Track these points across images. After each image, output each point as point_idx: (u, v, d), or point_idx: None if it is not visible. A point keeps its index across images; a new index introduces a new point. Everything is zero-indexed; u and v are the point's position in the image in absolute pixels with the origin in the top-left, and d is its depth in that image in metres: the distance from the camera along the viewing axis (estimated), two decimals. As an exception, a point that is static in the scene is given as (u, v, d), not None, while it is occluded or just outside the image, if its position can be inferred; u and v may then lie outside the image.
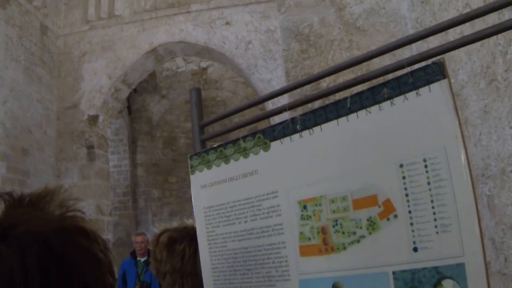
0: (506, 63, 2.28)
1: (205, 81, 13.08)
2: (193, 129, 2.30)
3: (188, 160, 2.13)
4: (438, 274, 1.41)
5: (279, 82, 8.93)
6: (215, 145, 2.05)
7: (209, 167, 2.03)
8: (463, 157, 1.39)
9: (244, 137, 1.92)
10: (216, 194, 1.99)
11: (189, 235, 2.19)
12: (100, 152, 10.36)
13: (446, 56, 1.41)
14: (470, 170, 1.39)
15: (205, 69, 13.13)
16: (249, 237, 1.85)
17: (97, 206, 10.39)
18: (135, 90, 12.18)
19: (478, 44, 2.55)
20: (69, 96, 10.18)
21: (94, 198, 10.35)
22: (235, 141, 1.95)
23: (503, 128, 2.27)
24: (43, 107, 9.66)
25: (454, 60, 2.85)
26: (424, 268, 1.44)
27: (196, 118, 2.31)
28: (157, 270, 2.24)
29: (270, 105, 7.63)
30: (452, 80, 2.80)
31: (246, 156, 1.91)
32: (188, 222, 2.29)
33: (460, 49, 2.79)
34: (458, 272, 1.38)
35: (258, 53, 9.42)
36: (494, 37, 2.39)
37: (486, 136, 2.44)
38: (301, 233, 1.71)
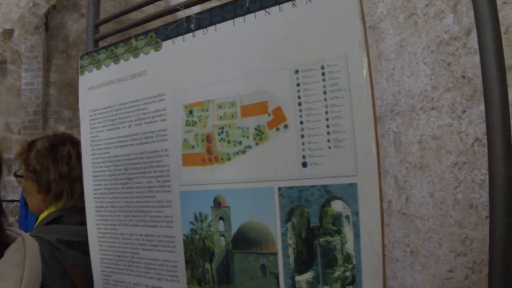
0: (429, -3, 2.00)
1: (126, 3, 12.24)
2: (87, 27, 1.94)
3: (79, 60, 1.77)
4: (327, 194, 1.16)
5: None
6: (106, 45, 1.70)
7: (98, 67, 1.70)
8: (365, 67, 1.14)
9: (136, 36, 1.59)
10: (103, 96, 1.67)
11: (69, 139, 1.86)
12: (13, 68, 9.52)
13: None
14: (371, 83, 1.15)
15: (127, -11, 12.28)
16: (132, 143, 1.55)
17: (6, 124, 9.68)
18: (54, 7, 11.20)
19: (402, -23, 2.26)
20: (-16, 9, 9.22)
21: (4, 116, 9.60)
22: (127, 40, 1.62)
23: (417, 64, 2.02)
24: (-43, 20, 8.73)
25: (375, -7, 2.56)
26: (312, 186, 1.18)
27: (91, 16, 1.95)
28: (38, 183, 1.87)
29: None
30: (371, 13, 2.52)
31: (136, 55, 1.58)
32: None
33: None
34: (349, 193, 1.15)
35: (178, -27, 8.73)
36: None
37: (399, 71, 2.19)
38: (184, 140, 1.42)
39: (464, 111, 1.67)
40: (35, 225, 1.89)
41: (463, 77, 1.70)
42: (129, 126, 1.57)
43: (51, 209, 1.87)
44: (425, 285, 1.77)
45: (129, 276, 1.59)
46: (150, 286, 1.54)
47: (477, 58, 1.67)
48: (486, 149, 1.66)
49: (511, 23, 1.57)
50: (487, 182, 1.65)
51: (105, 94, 1.66)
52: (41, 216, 1.87)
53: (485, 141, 1.61)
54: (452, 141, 1.69)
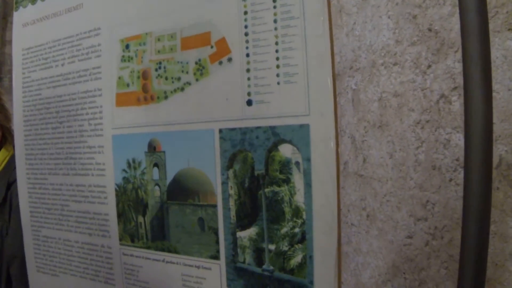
0: None
1: None
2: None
3: (15, -5, 1.50)
4: (275, 137, 0.93)
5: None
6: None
7: (33, 2, 1.43)
8: (323, -7, 0.89)
9: (75, -34, 1.32)
10: (36, 33, 1.41)
11: None
12: (-34, 26, 8.92)
13: None
14: (329, 11, 0.91)
15: None
16: (65, 83, 1.30)
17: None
18: (11, -39, 10.60)
19: None
20: None
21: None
22: (66, -29, 1.35)
23: (380, 17, 1.78)
24: None
25: None
26: (257, 128, 0.95)
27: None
28: None
29: None
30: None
31: (73, -13, 1.31)
32: None
33: None
34: (300, 135, 0.92)
35: None
36: None
37: (360, 25, 1.94)
38: (119, 77, 1.17)
39: (429, 66, 1.45)
40: None
41: (430, 30, 1.48)
42: (62, 65, 1.31)
43: (4, 153, 1.63)
44: (382, 251, 1.55)
45: (59, 231, 1.35)
46: (80, 242, 1.30)
47: (446, 10, 1.45)
48: (452, 107, 1.45)
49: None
50: (452, 142, 1.44)
51: (39, 31, 1.40)
52: None
53: (451, 98, 1.39)
54: (415, 98, 1.47)
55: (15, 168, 1.47)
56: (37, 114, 1.37)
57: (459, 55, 1.45)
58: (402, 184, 1.48)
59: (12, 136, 1.56)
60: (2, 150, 1.65)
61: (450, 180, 1.35)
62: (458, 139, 1.34)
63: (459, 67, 1.38)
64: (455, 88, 1.36)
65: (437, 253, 1.38)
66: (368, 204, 1.63)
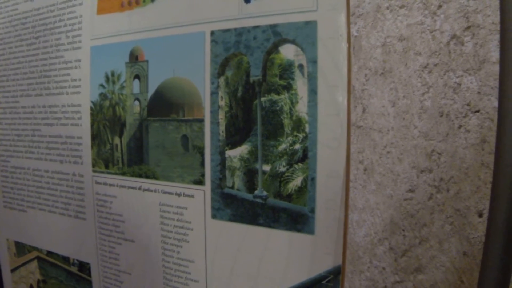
0: None
1: None
2: None
3: None
4: (276, 36, 0.75)
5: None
6: None
7: None
8: None
9: None
10: None
11: None
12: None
13: None
14: None
15: None
16: (43, -5, 1.11)
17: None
18: None
19: None
20: None
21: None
22: None
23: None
24: None
25: None
26: (256, 27, 0.78)
27: None
28: None
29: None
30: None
31: None
32: None
33: None
34: (305, 34, 0.74)
35: None
36: None
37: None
38: (101, -19, 0.99)
39: (439, 6, 1.28)
40: None
41: (442, -29, 1.31)
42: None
43: None
44: (379, 207, 1.38)
45: (28, 160, 1.17)
46: (50, 171, 1.12)
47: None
48: (464, 48, 1.28)
49: None
50: (462, 86, 1.27)
51: None
52: None
53: (464, 39, 1.22)
54: (422, 41, 1.30)
55: None
56: (12, 31, 1.19)
57: (474, -7, 1.29)
58: (404, 133, 1.31)
59: None
60: None
61: (460, 127, 1.18)
62: (470, 82, 1.17)
63: (473, 4, 1.22)
64: (468, 27, 1.19)
65: (441, 207, 1.21)
66: (366, 157, 1.45)
